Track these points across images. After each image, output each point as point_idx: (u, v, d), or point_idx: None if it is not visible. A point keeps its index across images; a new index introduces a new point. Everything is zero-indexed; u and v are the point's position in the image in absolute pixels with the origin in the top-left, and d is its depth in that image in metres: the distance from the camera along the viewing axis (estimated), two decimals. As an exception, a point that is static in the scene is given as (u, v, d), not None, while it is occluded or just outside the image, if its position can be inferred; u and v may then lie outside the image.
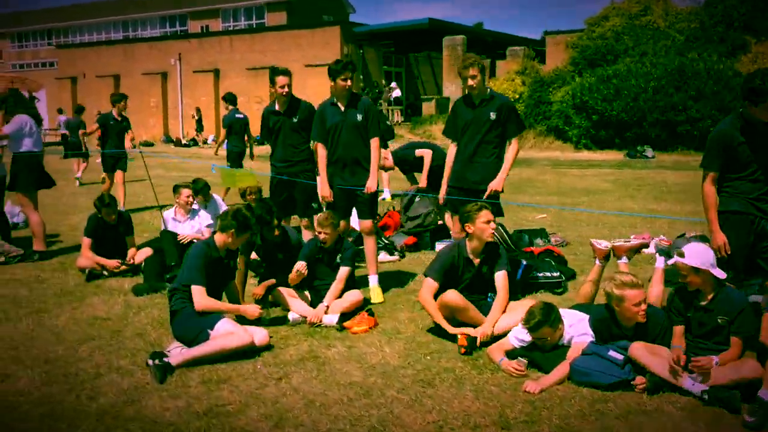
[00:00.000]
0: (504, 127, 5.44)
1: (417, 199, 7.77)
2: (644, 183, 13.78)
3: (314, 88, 31.40)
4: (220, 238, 4.64)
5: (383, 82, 31.71)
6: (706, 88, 18.72)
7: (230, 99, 11.60)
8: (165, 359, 4.10)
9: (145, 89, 35.92)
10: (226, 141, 11.53)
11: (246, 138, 11.32)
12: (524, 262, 5.66)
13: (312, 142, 6.01)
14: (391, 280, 6.18)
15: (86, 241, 6.69)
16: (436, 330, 4.78)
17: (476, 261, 4.74)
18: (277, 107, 6.11)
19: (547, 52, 31.04)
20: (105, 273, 6.65)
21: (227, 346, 4.26)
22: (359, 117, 5.54)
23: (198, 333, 4.36)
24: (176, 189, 7.17)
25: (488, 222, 4.63)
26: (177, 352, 4.26)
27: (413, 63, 34.54)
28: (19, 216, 9.70)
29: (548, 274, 5.75)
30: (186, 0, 50.22)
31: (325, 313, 5.02)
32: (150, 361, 4.10)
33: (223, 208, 8.09)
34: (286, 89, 5.95)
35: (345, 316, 5.03)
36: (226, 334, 4.31)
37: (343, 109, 5.58)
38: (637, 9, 25.85)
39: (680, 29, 24.81)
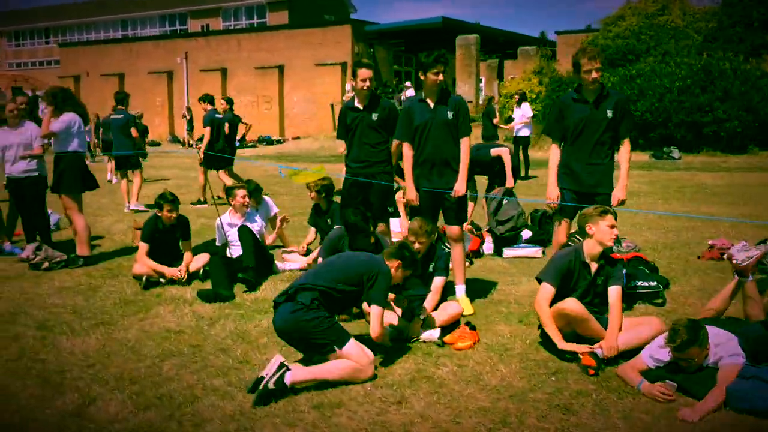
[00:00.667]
0: (618, 125, 5.08)
1: (505, 201, 7.42)
2: (683, 185, 13.46)
3: (324, 87, 31.04)
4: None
5: (394, 81, 31.33)
6: (734, 89, 18.42)
7: (208, 99, 11.90)
8: (284, 379, 3.69)
9: (150, 88, 35.44)
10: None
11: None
12: (624, 271, 5.30)
13: (392, 141, 5.65)
14: (472, 289, 5.80)
15: (143, 247, 6.30)
16: (547, 344, 4.42)
17: (593, 267, 4.40)
18: (356, 103, 5.70)
19: (558, 52, 30.76)
20: (162, 281, 6.27)
21: (358, 375, 3.87)
22: (450, 114, 5.17)
23: (326, 345, 3.91)
24: (230, 191, 6.78)
25: (612, 227, 4.29)
26: (298, 368, 3.84)
27: (423, 62, 34.14)
28: (51, 218, 9.30)
29: (645, 283, 5.40)
30: (187, -1, 49.89)
31: (422, 326, 4.65)
32: (272, 367, 3.70)
33: (274, 210, 7.73)
34: (368, 83, 5.53)
35: (443, 329, 4.66)
36: (358, 358, 3.90)
37: (432, 105, 5.22)
38: (654, 8, 25.59)
39: (698, 29, 24.56)
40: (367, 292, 4.04)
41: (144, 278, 6.17)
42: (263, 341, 4.72)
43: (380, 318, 4.05)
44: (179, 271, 6.23)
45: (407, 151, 5.30)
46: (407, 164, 5.31)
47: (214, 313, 5.38)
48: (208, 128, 11.31)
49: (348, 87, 27.68)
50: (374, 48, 30.41)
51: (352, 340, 3.94)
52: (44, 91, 7.38)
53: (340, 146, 5.44)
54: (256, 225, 6.74)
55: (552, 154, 5.31)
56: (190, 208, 10.80)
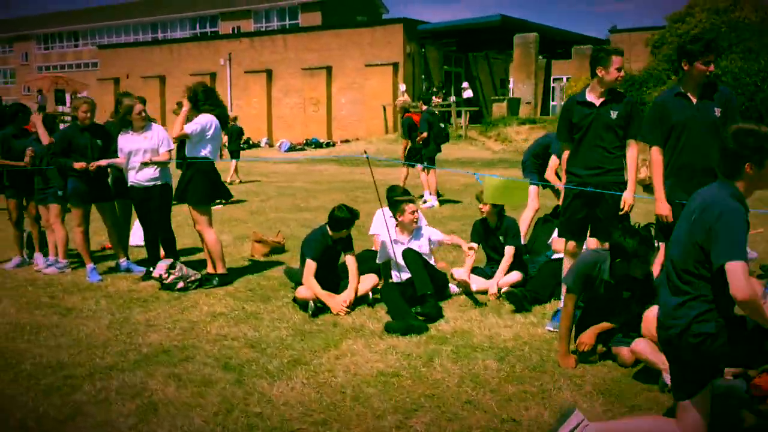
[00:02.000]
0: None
1: None
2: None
3: (374, 89, 30.21)
4: None
5: (439, 84, 30.42)
6: (831, 87, 17.34)
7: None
8: None
9: (192, 90, 34.81)
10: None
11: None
12: None
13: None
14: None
15: (312, 266, 5.48)
16: None
17: None
18: (588, 96, 4.78)
19: (612, 51, 29.77)
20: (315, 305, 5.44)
21: None
22: (717, 112, 4.31)
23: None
24: (397, 204, 5.91)
25: None
26: None
27: (472, 63, 33.25)
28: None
29: None
30: (217, 1, 49.35)
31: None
32: None
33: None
34: (622, 74, 4.59)
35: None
36: None
37: (695, 101, 4.35)
38: (725, 4, 24.45)
39: (772, 25, 23.40)
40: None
41: (311, 304, 5.35)
42: (512, 391, 3.87)
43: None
44: (346, 303, 5.38)
45: (656, 156, 4.44)
46: (657, 172, 4.45)
47: (418, 350, 4.54)
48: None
49: (402, 88, 26.86)
50: (425, 48, 29.57)
51: None
52: (187, 88, 6.56)
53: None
54: (424, 243, 5.88)
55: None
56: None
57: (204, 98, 6.32)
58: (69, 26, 55.68)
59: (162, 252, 6.73)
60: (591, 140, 4.67)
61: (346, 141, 29.28)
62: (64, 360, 4.45)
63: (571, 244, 4.85)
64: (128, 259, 7.16)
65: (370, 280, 5.66)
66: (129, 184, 6.64)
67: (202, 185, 6.37)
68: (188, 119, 6.33)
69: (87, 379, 4.11)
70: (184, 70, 35.60)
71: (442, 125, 11.97)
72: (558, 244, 6.11)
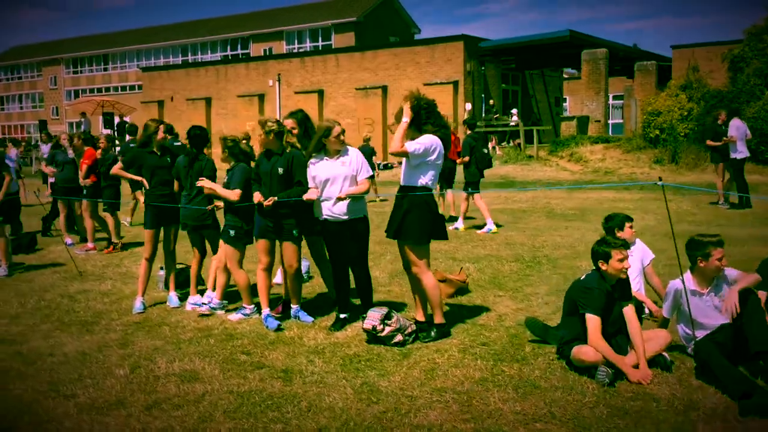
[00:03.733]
0: None
1: None
2: None
3: (432, 108, 29.20)
4: None
5: (499, 103, 29.40)
6: None
7: (169, 131, 12.49)
8: None
9: (240, 112, 34.20)
10: None
11: None
12: None
13: None
14: None
15: (597, 322, 4.38)
16: None
17: None
18: None
19: (673, 68, 28.72)
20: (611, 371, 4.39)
21: None
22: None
23: None
24: (701, 246, 4.59)
25: None
26: None
27: (528, 81, 32.29)
28: (304, 264, 7.57)
29: None
30: (248, 23, 48.98)
31: None
32: None
33: (650, 256, 5.83)
34: None
35: None
36: None
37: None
38: (809, 16, 23.37)
39: None
40: None
41: (605, 370, 4.29)
42: None
43: None
44: (647, 373, 4.33)
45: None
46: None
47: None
48: None
49: (468, 107, 25.92)
50: (485, 66, 28.65)
51: None
52: (411, 96, 5.49)
53: None
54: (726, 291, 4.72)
55: None
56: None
57: (425, 117, 5.32)
58: (98, 50, 55.70)
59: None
60: None
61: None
62: (351, 452, 3.45)
63: None
64: (299, 305, 6.17)
65: (662, 338, 4.58)
66: (322, 217, 5.68)
67: (422, 220, 5.33)
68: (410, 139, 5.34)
69: (413, 487, 3.10)
70: (231, 92, 35.04)
71: (485, 150, 11.44)
72: None
